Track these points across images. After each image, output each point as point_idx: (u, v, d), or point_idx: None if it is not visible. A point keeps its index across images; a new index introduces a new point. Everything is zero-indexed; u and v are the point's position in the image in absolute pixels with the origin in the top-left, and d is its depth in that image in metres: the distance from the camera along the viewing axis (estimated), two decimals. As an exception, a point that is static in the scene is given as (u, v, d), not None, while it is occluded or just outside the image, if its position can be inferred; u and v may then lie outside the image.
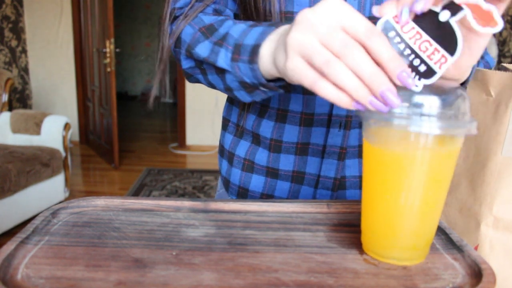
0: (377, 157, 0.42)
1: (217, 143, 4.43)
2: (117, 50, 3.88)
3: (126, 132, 5.11)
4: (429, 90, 0.40)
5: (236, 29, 0.52)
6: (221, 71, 0.54)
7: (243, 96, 0.55)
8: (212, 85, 0.60)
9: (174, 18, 0.62)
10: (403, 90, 0.41)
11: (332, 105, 0.65)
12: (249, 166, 0.72)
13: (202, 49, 0.55)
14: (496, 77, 0.57)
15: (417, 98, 0.39)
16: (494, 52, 3.26)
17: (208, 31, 0.56)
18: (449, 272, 0.43)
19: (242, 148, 0.73)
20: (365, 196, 0.45)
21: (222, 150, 0.78)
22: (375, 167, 0.43)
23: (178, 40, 0.60)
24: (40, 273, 0.40)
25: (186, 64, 0.61)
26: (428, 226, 0.44)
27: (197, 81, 0.63)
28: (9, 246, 0.44)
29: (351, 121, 0.65)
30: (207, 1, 0.61)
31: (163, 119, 6.18)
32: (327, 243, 0.48)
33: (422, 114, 0.39)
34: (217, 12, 0.63)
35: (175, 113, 5.27)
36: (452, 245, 0.48)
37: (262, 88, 0.51)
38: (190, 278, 0.40)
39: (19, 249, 0.44)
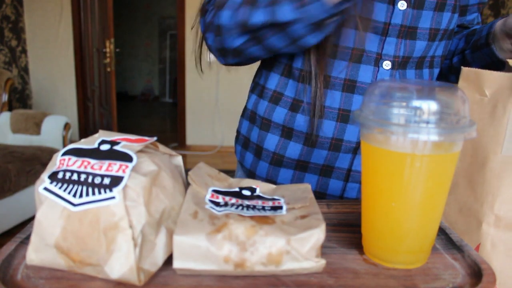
0: (377, 159, 0.42)
1: (216, 143, 4.44)
2: (117, 50, 3.88)
3: (126, 132, 5.10)
4: (431, 93, 0.40)
5: None
6: (283, 27, 0.57)
7: (313, 38, 0.58)
8: (269, 49, 0.62)
9: (205, 12, 0.66)
10: (402, 91, 0.41)
11: None
12: (278, 160, 0.73)
13: (259, 16, 0.58)
14: (491, 78, 0.57)
15: (416, 103, 0.39)
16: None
17: (251, 1, 0.59)
18: (449, 272, 0.43)
19: (271, 142, 0.74)
20: (365, 201, 0.45)
21: (246, 143, 0.79)
22: (376, 169, 0.43)
23: (218, 29, 0.63)
24: (40, 273, 0.40)
25: (238, 41, 0.63)
26: (431, 229, 0.44)
27: (246, 58, 0.66)
28: (9, 246, 0.44)
29: None
30: None
31: (163, 119, 6.18)
32: (327, 243, 0.48)
33: (422, 120, 0.39)
34: None
35: (175, 113, 5.27)
36: (452, 245, 0.48)
37: (331, 19, 0.55)
38: (190, 278, 0.40)
39: (19, 249, 0.44)
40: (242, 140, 0.80)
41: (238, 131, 0.82)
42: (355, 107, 0.67)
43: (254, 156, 0.77)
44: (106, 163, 0.40)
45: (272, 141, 0.73)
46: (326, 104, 0.68)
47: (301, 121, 0.70)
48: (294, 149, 0.72)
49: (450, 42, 0.74)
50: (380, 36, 0.65)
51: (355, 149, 0.69)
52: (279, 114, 0.72)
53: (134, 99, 7.39)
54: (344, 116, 0.68)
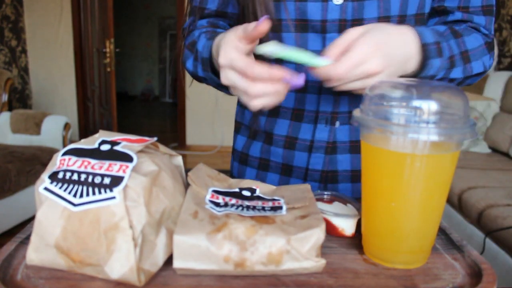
0: (377, 159, 0.42)
1: (216, 143, 4.44)
2: (117, 50, 3.88)
3: (126, 132, 5.09)
4: (431, 93, 0.40)
5: (201, 44, 0.65)
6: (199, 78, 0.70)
7: (225, 91, 0.67)
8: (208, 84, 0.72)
9: (184, 36, 0.74)
10: (402, 91, 0.41)
11: (318, 103, 0.68)
12: (265, 164, 0.74)
13: (189, 65, 0.69)
14: None
15: (416, 103, 0.39)
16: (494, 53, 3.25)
17: (190, 46, 0.68)
18: (449, 272, 0.43)
19: (256, 148, 0.75)
20: (365, 201, 0.45)
21: (233, 152, 0.81)
22: (376, 169, 0.43)
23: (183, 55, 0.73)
24: (40, 273, 0.40)
25: (188, 69, 0.72)
26: (431, 229, 0.44)
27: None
28: (9, 246, 0.44)
29: (336, 117, 0.68)
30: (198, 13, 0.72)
31: (163, 119, 6.18)
32: (327, 243, 0.48)
33: (422, 120, 0.39)
34: (211, 24, 0.71)
35: (175, 113, 5.27)
36: (452, 245, 0.48)
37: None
38: (190, 278, 0.40)
39: (19, 249, 0.44)
40: (232, 151, 0.83)
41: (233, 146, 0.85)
42: (308, 106, 0.68)
43: (238, 163, 0.79)
44: (106, 163, 0.40)
45: (256, 147, 0.75)
46: (281, 105, 0.70)
47: (280, 125, 0.72)
48: (278, 152, 0.73)
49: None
50: (320, 34, 0.64)
51: (310, 148, 0.69)
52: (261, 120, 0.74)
53: (134, 99, 7.38)
54: (298, 116, 0.69)
